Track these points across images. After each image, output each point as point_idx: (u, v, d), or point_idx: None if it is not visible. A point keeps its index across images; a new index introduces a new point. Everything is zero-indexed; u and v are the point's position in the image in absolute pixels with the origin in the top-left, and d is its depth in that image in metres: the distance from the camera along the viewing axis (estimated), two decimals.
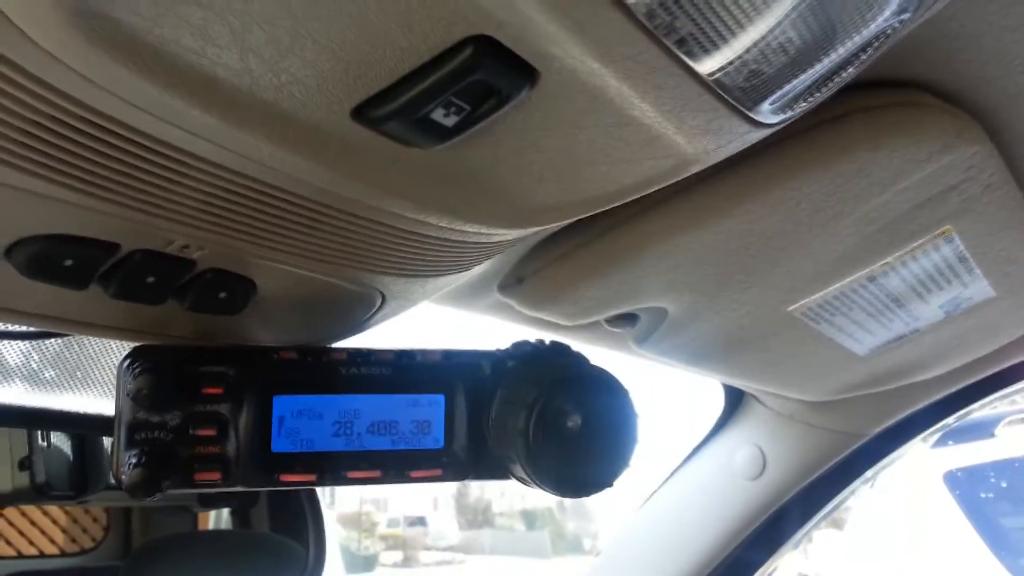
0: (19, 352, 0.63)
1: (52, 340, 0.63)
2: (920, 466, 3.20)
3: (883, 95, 0.58)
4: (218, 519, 1.62)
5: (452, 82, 0.35)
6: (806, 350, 0.87)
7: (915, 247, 0.71)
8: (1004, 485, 3.15)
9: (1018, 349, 1.06)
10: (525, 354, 0.55)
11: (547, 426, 0.49)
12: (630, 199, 0.49)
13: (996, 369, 1.11)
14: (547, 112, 0.38)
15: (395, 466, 0.52)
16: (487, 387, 0.54)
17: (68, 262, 0.42)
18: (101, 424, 0.65)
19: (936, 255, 0.74)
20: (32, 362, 0.63)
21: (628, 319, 0.73)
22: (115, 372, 0.50)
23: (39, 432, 0.65)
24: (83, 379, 0.68)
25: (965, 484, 3.14)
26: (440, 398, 0.53)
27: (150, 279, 0.45)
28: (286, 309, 0.53)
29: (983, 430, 3.13)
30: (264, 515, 1.43)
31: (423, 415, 0.53)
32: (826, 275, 0.72)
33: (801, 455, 1.24)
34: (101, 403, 0.68)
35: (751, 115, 0.41)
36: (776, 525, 1.29)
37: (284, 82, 0.34)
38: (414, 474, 0.52)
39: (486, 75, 0.34)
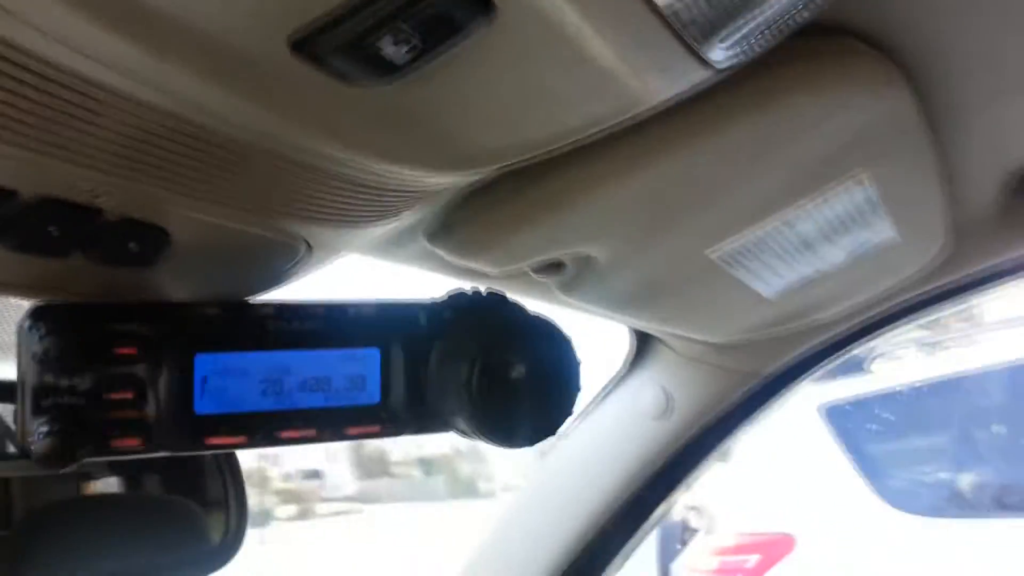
0: None
1: None
2: (798, 401, 3.39)
3: (810, 40, 0.58)
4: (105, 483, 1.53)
5: (404, 10, 0.32)
6: (719, 294, 0.89)
7: (830, 190, 0.73)
8: (876, 416, 3.38)
9: (907, 288, 1.12)
10: (462, 305, 0.53)
11: (490, 378, 0.48)
12: (571, 141, 0.48)
13: (885, 307, 1.17)
14: (501, 49, 0.36)
15: (330, 424, 0.50)
16: (424, 339, 0.52)
17: None
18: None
19: (847, 198, 0.77)
20: None
21: (554, 267, 0.72)
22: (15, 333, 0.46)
23: None
24: None
25: (840, 416, 3.36)
26: (375, 351, 0.51)
27: (52, 229, 0.41)
28: (203, 260, 0.49)
29: (856, 366, 3.34)
30: (156, 477, 1.36)
31: (357, 370, 0.50)
32: (746, 219, 0.73)
33: (706, 395, 1.28)
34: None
35: (703, 55, 0.40)
36: (680, 462, 1.34)
37: (215, 8, 0.30)
38: (351, 431, 0.50)
39: (442, 5, 0.32)
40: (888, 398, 3.40)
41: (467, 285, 0.68)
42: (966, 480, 3.28)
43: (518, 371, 0.49)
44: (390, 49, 0.34)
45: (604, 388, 1.37)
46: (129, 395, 0.45)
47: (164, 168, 0.39)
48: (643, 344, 1.32)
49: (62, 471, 0.42)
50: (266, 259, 0.52)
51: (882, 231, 0.87)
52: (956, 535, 3.09)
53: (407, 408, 0.52)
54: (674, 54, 0.39)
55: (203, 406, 0.47)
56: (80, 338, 0.44)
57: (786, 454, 3.45)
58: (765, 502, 3.53)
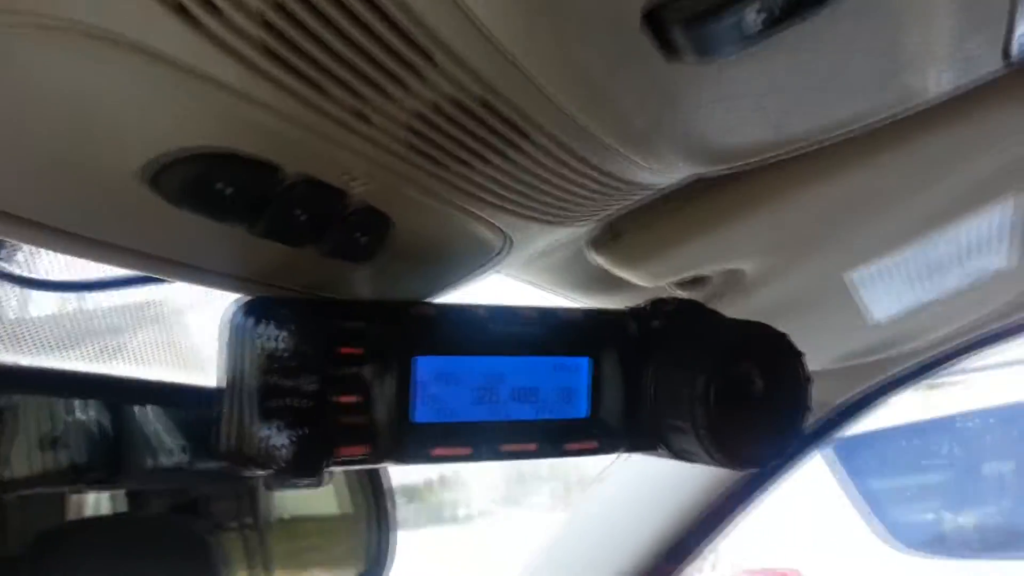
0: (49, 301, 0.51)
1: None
2: None
3: None
4: (97, 505, 1.45)
5: None
6: (838, 318, 0.86)
7: (982, 212, 0.71)
8: (879, 453, 3.37)
9: (990, 320, 1.10)
10: (672, 313, 0.50)
11: (729, 391, 0.45)
12: (819, 139, 0.45)
13: (964, 338, 1.16)
14: (836, 28, 0.33)
15: (547, 437, 0.46)
16: (635, 349, 0.48)
17: (227, 189, 0.34)
18: (142, 391, 0.54)
19: (989, 222, 0.75)
20: (64, 316, 0.52)
21: (697, 282, 0.69)
22: (220, 325, 0.42)
23: (63, 403, 0.52)
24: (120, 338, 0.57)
25: (843, 451, 3.34)
26: (584, 361, 0.47)
27: (301, 215, 0.37)
28: (409, 256, 0.46)
29: None
30: (163, 498, 1.27)
31: (567, 380, 0.47)
32: (899, 239, 0.71)
33: None
34: (136, 368, 0.56)
35: (1013, 47, 0.38)
36: (738, 494, 1.31)
37: None
38: (569, 447, 0.46)
39: None
40: (891, 434, 3.39)
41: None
42: (967, 520, 3.27)
43: (756, 384, 0.45)
44: (748, 21, 0.31)
45: None
46: (356, 398, 0.41)
47: (434, 149, 0.36)
48: None
49: (306, 483, 0.38)
50: (465, 256, 0.48)
51: (1000, 257, 0.86)
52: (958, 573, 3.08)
53: (619, 423, 0.48)
54: (988, 41, 0.37)
55: (421, 414, 0.43)
56: (309, 334, 0.40)
57: (789, 488, 3.42)
58: (769, 536, 3.49)
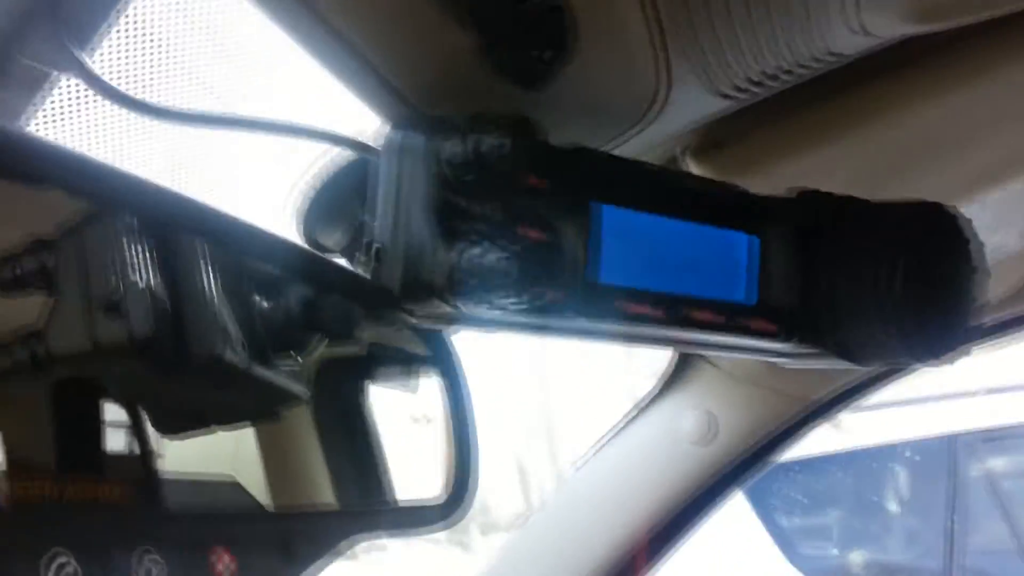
0: None
1: None
2: None
3: None
4: None
5: None
6: None
7: None
8: (792, 484, 3.45)
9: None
10: (836, 205, 0.46)
11: (920, 279, 0.41)
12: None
13: None
14: None
15: (730, 312, 0.41)
16: (799, 236, 0.44)
17: None
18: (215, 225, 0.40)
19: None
20: None
21: None
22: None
23: (120, 263, 0.39)
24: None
25: (756, 483, 3.40)
26: (756, 240, 0.43)
27: None
28: (572, 97, 0.41)
29: None
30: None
31: (737, 255, 0.42)
32: (960, 190, 0.70)
33: (752, 419, 1.23)
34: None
35: None
36: (715, 489, 1.28)
37: None
38: (751, 324, 0.41)
39: None
40: (793, 467, 3.47)
41: None
42: (860, 556, 3.38)
43: (944, 273, 0.42)
44: None
45: (636, 408, 1.30)
46: (542, 234, 0.35)
47: None
48: (684, 363, 1.26)
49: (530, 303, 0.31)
50: (617, 112, 0.44)
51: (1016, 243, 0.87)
52: None
53: (793, 308, 0.43)
54: None
55: (605, 269, 0.37)
56: (499, 154, 0.33)
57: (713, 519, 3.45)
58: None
